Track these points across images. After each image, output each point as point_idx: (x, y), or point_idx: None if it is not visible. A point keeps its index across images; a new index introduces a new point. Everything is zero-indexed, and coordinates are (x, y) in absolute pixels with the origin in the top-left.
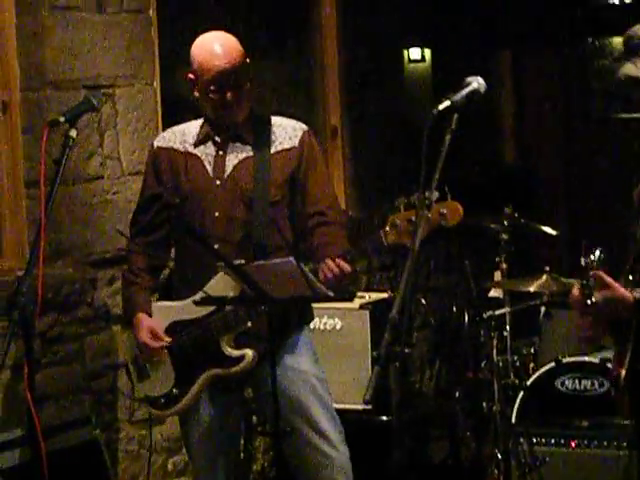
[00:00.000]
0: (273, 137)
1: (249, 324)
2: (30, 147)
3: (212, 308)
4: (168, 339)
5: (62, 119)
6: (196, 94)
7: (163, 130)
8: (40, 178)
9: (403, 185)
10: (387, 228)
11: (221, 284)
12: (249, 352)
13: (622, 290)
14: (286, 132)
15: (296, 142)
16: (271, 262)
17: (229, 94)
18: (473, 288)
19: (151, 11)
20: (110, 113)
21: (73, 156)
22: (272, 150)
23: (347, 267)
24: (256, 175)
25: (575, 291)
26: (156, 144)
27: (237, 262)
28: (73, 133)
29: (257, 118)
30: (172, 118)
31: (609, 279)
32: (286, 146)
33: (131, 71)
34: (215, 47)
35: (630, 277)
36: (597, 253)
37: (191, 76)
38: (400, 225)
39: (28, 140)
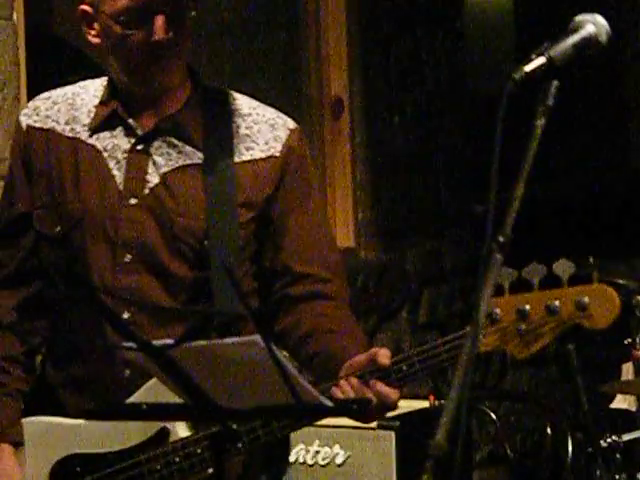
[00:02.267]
0: (238, 134)
1: (209, 471)
2: None
3: (146, 437)
4: None
5: None
6: (95, 39)
7: (29, 91)
8: None
9: (455, 199)
10: (484, 323)
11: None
12: None
13: None
14: (260, 129)
15: (277, 148)
16: (224, 342)
17: (160, 21)
18: (582, 393)
19: None
20: None
21: None
22: (236, 158)
23: (393, 394)
24: (207, 199)
25: None
26: (25, 122)
27: (163, 342)
28: None
29: (209, 94)
30: (44, 72)
31: None
32: (260, 154)
33: None
34: None
35: None
36: None
37: (86, 7)
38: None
39: None
